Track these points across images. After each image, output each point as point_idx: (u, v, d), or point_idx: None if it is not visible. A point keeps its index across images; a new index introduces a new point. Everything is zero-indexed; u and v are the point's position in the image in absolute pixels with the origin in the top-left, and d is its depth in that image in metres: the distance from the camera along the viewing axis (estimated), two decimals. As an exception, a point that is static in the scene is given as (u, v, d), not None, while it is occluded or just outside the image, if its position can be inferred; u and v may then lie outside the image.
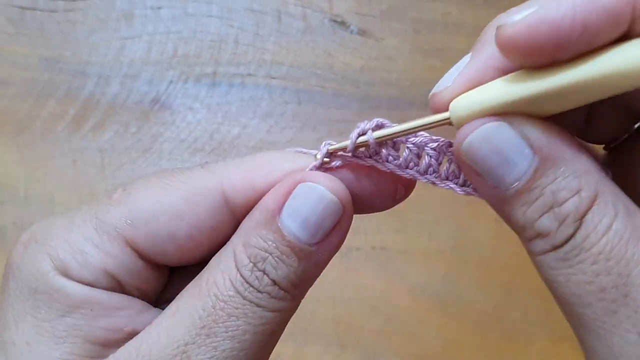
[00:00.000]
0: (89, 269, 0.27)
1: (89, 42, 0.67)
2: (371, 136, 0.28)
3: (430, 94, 0.27)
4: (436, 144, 0.28)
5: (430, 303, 0.62)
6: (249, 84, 0.67)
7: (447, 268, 0.63)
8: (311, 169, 0.28)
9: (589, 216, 0.23)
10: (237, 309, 0.26)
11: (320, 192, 0.27)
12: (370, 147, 0.28)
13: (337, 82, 0.68)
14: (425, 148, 0.28)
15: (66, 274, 0.27)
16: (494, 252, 0.61)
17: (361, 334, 0.61)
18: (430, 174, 0.28)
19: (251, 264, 0.27)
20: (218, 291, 0.26)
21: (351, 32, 0.69)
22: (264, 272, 0.27)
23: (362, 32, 0.69)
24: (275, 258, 0.27)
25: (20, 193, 0.62)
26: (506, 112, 0.24)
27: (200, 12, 0.69)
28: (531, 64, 0.23)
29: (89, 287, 0.27)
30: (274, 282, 0.27)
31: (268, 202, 0.27)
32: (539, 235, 0.23)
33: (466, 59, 0.27)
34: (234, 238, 0.28)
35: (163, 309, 0.29)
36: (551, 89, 0.23)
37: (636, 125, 0.28)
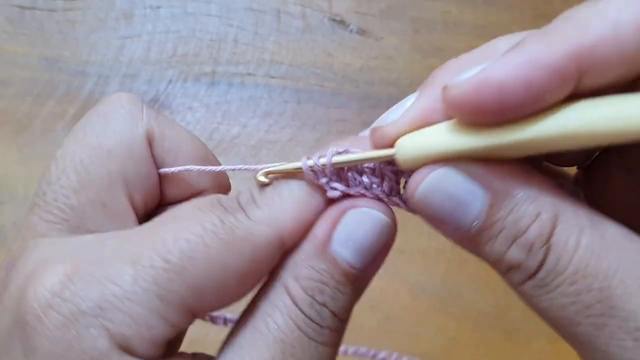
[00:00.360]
0: (154, 344, 0.24)
1: (89, 41, 0.67)
2: (333, 160, 0.27)
3: (372, 127, 0.27)
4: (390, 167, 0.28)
5: (430, 302, 0.62)
6: (248, 83, 0.67)
7: (447, 267, 0.63)
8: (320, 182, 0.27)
9: (554, 238, 0.23)
10: (304, 351, 0.25)
11: (375, 216, 0.26)
12: (325, 169, 0.27)
13: (336, 82, 0.68)
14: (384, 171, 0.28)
15: (128, 350, 0.24)
16: (494, 251, 0.60)
17: (360, 332, 0.61)
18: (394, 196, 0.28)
19: (309, 298, 0.25)
20: (284, 334, 0.25)
21: (350, 31, 0.69)
22: (324, 304, 0.26)
23: (361, 32, 0.69)
24: (333, 289, 0.26)
25: (20, 193, 0.62)
26: (453, 158, 0.24)
27: (199, 11, 0.69)
28: (480, 122, 0.23)
29: None
30: (334, 314, 0.26)
31: (316, 232, 0.26)
32: (511, 267, 0.24)
33: (411, 98, 0.27)
34: (280, 272, 0.26)
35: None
36: (496, 144, 0.23)
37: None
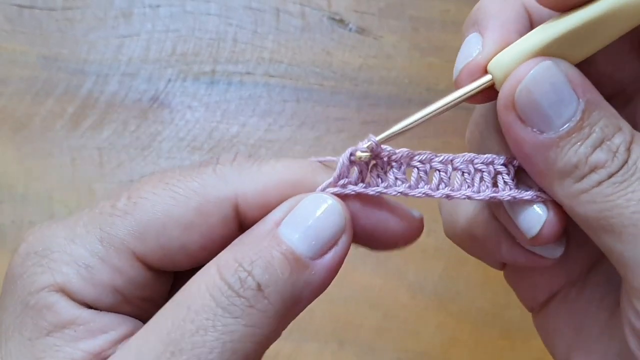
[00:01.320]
0: (94, 285, 0.25)
1: (88, 40, 0.67)
2: (373, 139, 0.27)
3: (461, 66, 0.27)
4: (441, 157, 0.28)
5: (429, 300, 0.62)
6: (247, 82, 0.67)
7: (446, 266, 0.63)
8: (324, 187, 0.27)
9: (634, 145, 0.25)
10: (207, 320, 0.23)
11: (325, 200, 0.26)
12: (374, 151, 0.27)
13: (335, 80, 0.68)
14: (432, 163, 0.28)
15: (66, 290, 0.25)
16: (493, 250, 0.61)
17: (359, 331, 0.61)
18: (444, 188, 0.28)
19: (236, 264, 0.24)
20: (192, 301, 0.24)
21: (350, 30, 0.69)
22: (250, 273, 0.24)
23: (360, 30, 0.69)
24: (266, 262, 0.24)
25: (18, 191, 0.62)
26: (550, 52, 0.25)
27: (198, 10, 0.69)
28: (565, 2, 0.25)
29: (79, 308, 0.25)
30: (259, 287, 0.24)
31: (272, 214, 0.26)
32: (594, 168, 0.25)
33: (471, 38, 0.27)
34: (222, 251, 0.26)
35: None
36: (585, 22, 0.25)
37: None
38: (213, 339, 0.23)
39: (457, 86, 0.28)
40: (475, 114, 0.32)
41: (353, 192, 0.27)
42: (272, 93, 0.67)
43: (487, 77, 0.26)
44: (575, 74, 0.26)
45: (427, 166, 0.28)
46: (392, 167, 0.28)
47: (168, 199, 0.26)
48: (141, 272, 0.26)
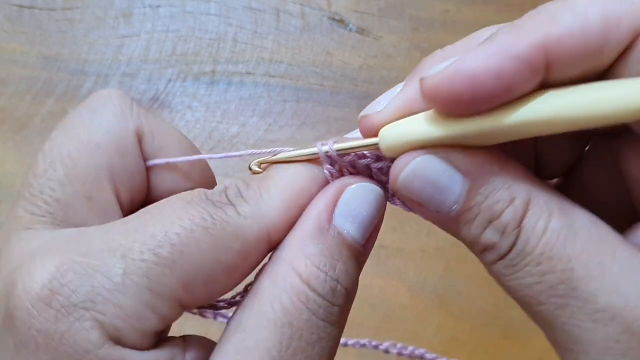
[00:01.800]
0: (144, 335, 0.24)
1: (88, 40, 0.67)
2: (332, 147, 0.28)
3: (360, 115, 0.28)
4: (381, 164, 0.29)
5: (429, 301, 0.62)
6: (247, 82, 0.67)
7: (446, 266, 0.63)
8: (327, 171, 0.28)
9: (525, 221, 0.24)
10: (313, 333, 0.25)
11: (371, 188, 0.27)
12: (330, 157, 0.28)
13: (335, 80, 0.68)
14: (372, 167, 0.29)
15: (120, 342, 0.24)
16: (493, 250, 0.60)
17: (360, 331, 0.61)
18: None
19: (323, 274, 0.25)
20: (292, 317, 0.24)
21: (350, 30, 0.69)
22: (337, 280, 0.25)
23: (360, 30, 0.69)
24: (343, 263, 0.26)
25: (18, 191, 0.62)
26: (432, 145, 0.25)
27: (198, 10, 0.69)
28: (456, 113, 0.24)
29: (144, 353, 0.25)
30: (347, 291, 0.26)
31: (318, 209, 0.26)
32: (485, 248, 0.25)
33: (398, 87, 0.28)
34: (284, 254, 0.26)
35: None
36: (472, 132, 0.24)
37: (586, 147, 0.29)
38: (321, 349, 0.25)
39: (360, 132, 0.28)
40: None
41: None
42: (272, 93, 0.67)
43: (375, 140, 0.27)
44: (459, 157, 0.25)
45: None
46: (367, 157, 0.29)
47: (213, 248, 0.25)
48: (179, 313, 0.26)
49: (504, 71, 0.22)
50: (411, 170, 0.25)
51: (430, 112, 0.25)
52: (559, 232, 0.24)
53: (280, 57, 0.68)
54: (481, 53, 0.22)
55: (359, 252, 0.27)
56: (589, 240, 0.24)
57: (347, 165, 0.29)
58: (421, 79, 0.24)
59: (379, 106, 0.27)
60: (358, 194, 0.27)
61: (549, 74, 0.23)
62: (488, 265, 0.26)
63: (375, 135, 0.27)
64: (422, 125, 0.25)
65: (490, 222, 0.24)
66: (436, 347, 0.61)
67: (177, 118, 0.66)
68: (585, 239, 0.24)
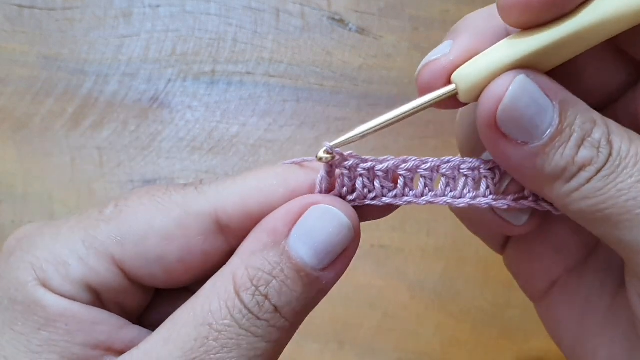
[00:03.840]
0: (70, 282, 0.26)
1: (88, 40, 0.66)
2: (327, 145, 0.27)
3: (422, 63, 0.28)
4: (428, 164, 0.28)
5: (429, 300, 0.62)
6: (247, 82, 0.67)
7: (446, 266, 0.63)
8: (319, 190, 0.27)
9: (612, 136, 0.26)
10: (231, 339, 0.25)
11: (336, 216, 0.26)
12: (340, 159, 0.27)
13: (335, 80, 0.68)
14: (419, 171, 0.28)
15: (47, 286, 0.26)
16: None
17: (359, 331, 0.61)
18: (427, 194, 0.28)
19: (253, 288, 0.25)
20: (213, 320, 0.25)
21: (350, 30, 0.69)
22: (267, 297, 0.25)
23: (360, 30, 0.69)
24: (280, 282, 0.26)
25: (18, 191, 0.62)
26: (517, 67, 0.26)
27: (198, 10, 0.69)
28: (530, 18, 0.25)
29: (67, 300, 0.26)
30: (276, 309, 0.26)
31: (276, 223, 0.26)
32: (582, 166, 0.25)
33: (445, 44, 0.28)
34: (233, 260, 0.27)
35: (145, 326, 0.28)
36: (553, 41, 0.25)
37: None
38: (237, 356, 0.25)
39: (417, 82, 0.28)
40: (459, 117, 0.33)
41: (357, 204, 0.28)
42: (272, 93, 0.67)
43: (451, 87, 0.26)
44: (544, 80, 0.26)
45: (413, 174, 0.28)
46: (377, 176, 0.28)
47: (151, 209, 0.27)
48: (119, 279, 0.27)
49: None
50: (519, 87, 0.25)
51: (498, 44, 0.26)
52: (638, 139, 0.26)
53: (280, 57, 0.68)
54: None
55: (311, 276, 0.26)
56: None
57: (345, 175, 0.27)
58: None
59: (437, 54, 0.28)
60: (320, 218, 0.26)
61: None
62: (578, 189, 0.26)
63: (445, 81, 0.27)
64: (499, 52, 0.26)
65: (584, 140, 0.25)
66: (436, 347, 0.61)
67: (177, 118, 0.66)
68: None
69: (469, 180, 0.28)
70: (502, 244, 0.36)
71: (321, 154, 0.27)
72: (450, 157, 0.29)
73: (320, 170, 0.27)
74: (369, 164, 0.28)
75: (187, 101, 0.66)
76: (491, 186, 0.28)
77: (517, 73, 0.25)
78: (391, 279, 0.62)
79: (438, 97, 0.27)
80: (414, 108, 0.27)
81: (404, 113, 0.27)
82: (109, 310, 0.27)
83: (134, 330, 0.28)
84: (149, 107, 0.66)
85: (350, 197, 0.28)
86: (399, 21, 0.70)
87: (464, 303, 0.62)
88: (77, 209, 0.62)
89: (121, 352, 0.26)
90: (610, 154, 0.25)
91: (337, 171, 0.28)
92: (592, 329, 0.32)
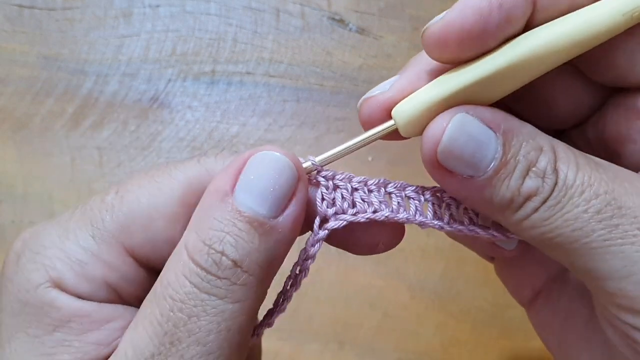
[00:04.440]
0: (87, 281, 0.25)
1: (88, 40, 0.66)
2: (314, 160, 0.28)
3: (363, 98, 0.28)
4: (414, 187, 0.29)
5: (429, 300, 0.62)
6: (247, 82, 0.67)
7: (446, 266, 0.63)
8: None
9: (559, 163, 0.25)
10: (195, 306, 0.24)
11: (273, 157, 0.26)
12: (318, 172, 0.28)
13: (335, 80, 0.67)
14: (405, 192, 0.29)
15: (61, 286, 0.25)
16: (493, 250, 0.61)
17: (359, 331, 0.61)
18: (419, 216, 0.29)
19: (206, 247, 0.24)
20: (172, 290, 0.24)
21: (350, 29, 0.69)
22: (222, 253, 0.24)
23: (360, 30, 0.69)
24: (235, 236, 0.24)
25: (18, 191, 0.62)
26: (451, 105, 0.26)
27: (198, 10, 0.69)
28: (451, 56, 0.25)
29: (79, 300, 0.25)
30: (235, 263, 0.24)
31: (218, 182, 0.26)
32: (528, 197, 0.25)
33: (391, 79, 0.28)
34: (185, 233, 0.26)
35: None
36: (477, 79, 0.25)
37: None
38: (207, 323, 0.24)
39: (359, 116, 0.29)
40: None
41: (345, 222, 0.28)
42: (272, 93, 0.67)
43: (390, 123, 0.27)
44: (486, 112, 0.26)
45: (403, 194, 0.29)
46: (371, 191, 0.29)
47: (153, 191, 0.26)
48: (133, 268, 0.27)
49: (507, 4, 0.24)
50: (455, 126, 0.25)
51: (434, 81, 0.26)
52: (589, 165, 0.25)
53: (280, 57, 0.68)
54: None
55: (266, 225, 0.25)
56: (610, 169, 0.26)
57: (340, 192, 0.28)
58: (423, 30, 0.26)
59: (377, 90, 0.28)
60: (259, 164, 0.26)
61: (534, 15, 0.25)
62: (526, 219, 0.26)
63: (384, 116, 0.27)
64: (435, 89, 0.26)
65: (529, 170, 0.25)
66: (436, 347, 0.61)
67: (177, 118, 0.66)
68: (611, 167, 0.26)
69: (453, 208, 0.29)
70: (491, 255, 0.37)
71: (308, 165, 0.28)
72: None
73: (317, 194, 0.28)
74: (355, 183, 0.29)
75: (187, 101, 0.66)
76: (473, 217, 0.29)
77: (456, 111, 0.25)
78: (391, 279, 0.62)
79: (379, 133, 0.28)
80: (358, 142, 0.28)
81: (349, 147, 0.28)
82: (129, 304, 0.27)
83: None
84: (149, 107, 0.66)
85: (351, 211, 0.29)
86: (399, 21, 0.69)
87: (464, 303, 0.62)
88: (77, 209, 0.62)
89: None
90: (556, 183, 0.25)
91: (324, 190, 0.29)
92: (574, 337, 0.32)
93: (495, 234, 0.29)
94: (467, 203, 0.28)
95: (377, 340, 0.61)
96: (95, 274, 0.26)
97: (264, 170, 0.25)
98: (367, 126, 0.28)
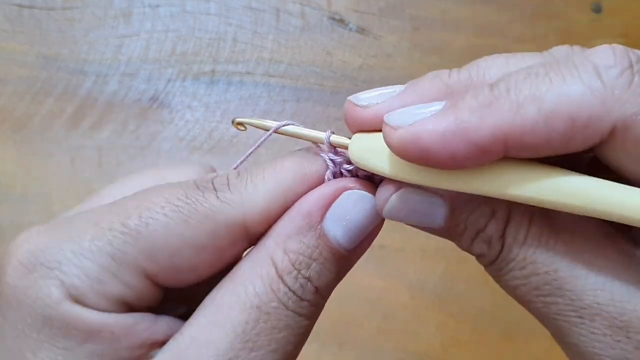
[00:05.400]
0: (106, 299, 0.26)
1: (87, 40, 0.66)
2: (328, 135, 0.29)
3: (349, 98, 0.28)
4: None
5: (429, 301, 0.62)
6: (247, 82, 0.67)
7: (446, 266, 0.63)
8: (329, 177, 0.29)
9: (507, 231, 0.25)
10: (280, 320, 0.26)
11: (368, 199, 0.28)
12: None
13: (335, 80, 0.67)
14: None
15: (80, 302, 0.26)
16: (493, 250, 0.60)
17: (359, 331, 0.61)
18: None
19: (295, 271, 0.27)
20: (261, 302, 0.26)
21: (350, 29, 0.69)
22: (309, 279, 0.27)
23: (360, 30, 0.69)
24: (320, 264, 0.27)
25: (17, 191, 0.62)
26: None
27: (198, 10, 0.68)
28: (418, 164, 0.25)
29: (102, 313, 0.26)
30: (316, 290, 0.27)
31: (310, 207, 0.27)
32: (478, 256, 0.27)
33: (398, 88, 0.28)
34: (268, 242, 0.27)
35: (169, 312, 0.28)
36: (432, 185, 0.25)
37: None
38: (287, 335, 0.27)
39: (345, 115, 0.29)
40: None
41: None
42: (272, 93, 0.67)
43: (346, 141, 0.28)
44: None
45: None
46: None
47: (181, 223, 0.27)
48: (149, 287, 0.27)
49: (459, 152, 0.23)
50: (394, 203, 0.26)
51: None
52: (540, 237, 0.25)
53: (280, 57, 0.68)
54: (440, 126, 0.23)
55: (342, 256, 0.28)
56: (572, 240, 0.25)
57: (350, 171, 0.29)
58: (384, 124, 0.25)
59: (371, 100, 0.28)
60: (354, 201, 0.28)
61: (508, 154, 0.23)
62: (484, 266, 0.27)
63: (356, 127, 0.28)
64: (393, 159, 0.25)
65: (477, 234, 0.26)
66: (436, 347, 0.61)
67: (176, 118, 0.65)
68: (568, 240, 0.25)
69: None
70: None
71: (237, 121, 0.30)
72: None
73: (327, 174, 0.29)
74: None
75: (187, 101, 0.66)
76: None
77: (396, 188, 0.26)
78: (391, 279, 0.62)
79: (337, 144, 0.29)
80: (300, 134, 0.30)
81: (293, 133, 0.30)
82: (139, 311, 0.28)
83: (164, 318, 0.28)
84: (149, 107, 0.65)
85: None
86: (399, 21, 0.69)
87: (465, 303, 0.62)
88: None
89: (164, 342, 0.27)
90: (500, 251, 0.25)
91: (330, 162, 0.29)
92: None
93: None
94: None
95: (377, 340, 0.61)
96: (114, 292, 0.26)
97: (356, 209, 0.28)
98: (349, 124, 0.29)
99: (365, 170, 0.28)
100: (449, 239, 0.27)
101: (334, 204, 0.27)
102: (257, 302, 0.26)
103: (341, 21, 0.69)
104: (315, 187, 0.28)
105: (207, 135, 0.65)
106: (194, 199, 0.27)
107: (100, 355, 0.25)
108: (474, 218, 0.26)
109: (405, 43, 0.69)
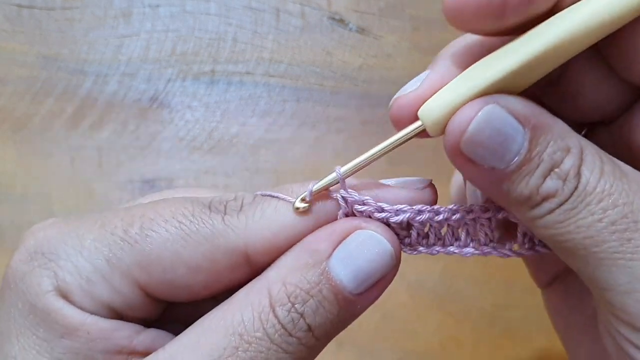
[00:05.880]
0: (92, 300, 0.26)
1: (87, 40, 0.66)
2: (339, 171, 0.27)
3: (393, 98, 0.28)
4: (440, 216, 0.29)
5: (429, 300, 0.62)
6: (247, 82, 0.67)
7: (446, 265, 0.63)
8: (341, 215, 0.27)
9: (583, 167, 0.25)
10: (261, 352, 0.25)
11: (380, 242, 0.27)
12: (340, 184, 0.28)
13: (335, 80, 0.67)
14: (431, 223, 0.29)
15: (66, 297, 0.26)
16: (493, 250, 0.60)
17: (358, 331, 0.61)
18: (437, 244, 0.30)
19: (289, 304, 0.25)
20: (245, 330, 0.25)
21: (350, 29, 0.69)
22: (302, 315, 0.26)
23: (360, 30, 0.69)
24: (317, 302, 0.26)
25: (17, 191, 0.62)
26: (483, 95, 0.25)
27: (198, 10, 0.69)
28: (481, 26, 0.25)
29: (84, 313, 0.26)
30: (309, 328, 0.26)
31: (318, 242, 0.26)
32: (546, 197, 0.25)
33: (423, 74, 0.28)
34: (270, 274, 0.27)
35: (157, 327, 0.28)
36: (515, 63, 0.25)
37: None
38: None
39: (390, 116, 0.28)
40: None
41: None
42: (272, 93, 0.67)
43: (418, 124, 0.27)
44: (517, 104, 0.25)
45: (424, 226, 0.29)
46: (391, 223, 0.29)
47: (179, 240, 0.26)
48: (140, 298, 0.27)
49: None
50: (483, 118, 0.24)
51: (459, 75, 0.26)
52: (613, 172, 0.25)
53: (280, 57, 0.68)
54: None
55: (346, 299, 0.26)
56: (639, 179, 0.25)
57: (362, 212, 0.28)
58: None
59: (410, 87, 0.28)
60: (365, 241, 0.27)
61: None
62: (541, 218, 0.26)
63: (412, 117, 0.27)
64: (463, 85, 0.25)
65: (551, 170, 0.25)
66: (436, 347, 0.61)
67: (176, 118, 0.66)
68: (637, 178, 0.25)
69: (470, 229, 0.29)
70: None
71: (298, 203, 0.27)
72: (456, 207, 0.29)
73: (339, 213, 0.28)
74: (384, 215, 0.28)
75: (187, 101, 0.66)
76: (489, 234, 0.29)
77: (485, 102, 0.25)
78: (391, 279, 0.62)
79: (408, 135, 0.27)
80: (388, 146, 0.27)
81: (379, 151, 0.27)
82: (127, 320, 0.28)
83: (152, 331, 0.28)
84: (149, 107, 0.65)
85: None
86: (399, 21, 0.69)
87: (464, 303, 0.62)
88: (76, 209, 0.62)
89: (144, 354, 0.26)
90: (576, 188, 0.25)
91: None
92: (578, 328, 0.33)
93: (508, 252, 0.29)
94: (483, 191, 0.28)
95: (376, 340, 0.61)
96: (102, 295, 0.26)
97: (366, 250, 0.26)
98: (398, 126, 0.28)
99: (382, 210, 0.27)
100: (501, 187, 0.25)
101: (343, 242, 0.26)
102: (240, 329, 0.25)
103: (341, 21, 0.69)
104: (327, 224, 0.27)
105: (207, 135, 0.65)
106: (198, 219, 0.27)
107: (76, 354, 0.25)
108: (551, 150, 0.25)
109: (405, 43, 0.69)
